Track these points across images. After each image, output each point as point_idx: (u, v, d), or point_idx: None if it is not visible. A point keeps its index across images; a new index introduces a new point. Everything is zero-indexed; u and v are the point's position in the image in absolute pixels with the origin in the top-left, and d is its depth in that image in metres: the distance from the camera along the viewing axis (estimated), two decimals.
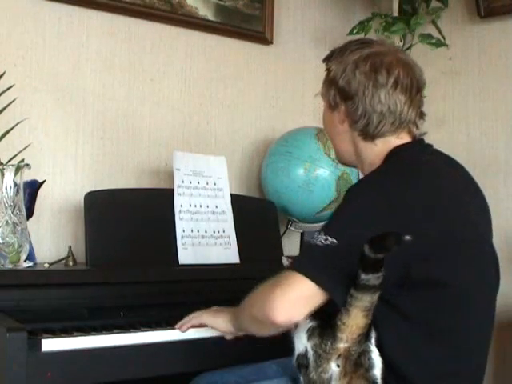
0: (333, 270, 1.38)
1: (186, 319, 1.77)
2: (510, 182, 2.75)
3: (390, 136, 1.57)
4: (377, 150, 1.58)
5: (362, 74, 1.53)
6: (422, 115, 1.61)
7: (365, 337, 1.43)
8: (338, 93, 1.59)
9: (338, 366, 1.43)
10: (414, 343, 1.46)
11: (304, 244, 1.48)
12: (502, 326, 2.32)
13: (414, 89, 1.55)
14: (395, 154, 1.56)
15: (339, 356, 1.42)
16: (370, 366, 1.43)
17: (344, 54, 1.60)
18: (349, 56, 1.58)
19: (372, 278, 1.34)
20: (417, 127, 1.60)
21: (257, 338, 1.80)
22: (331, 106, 1.62)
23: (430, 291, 1.44)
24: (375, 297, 1.38)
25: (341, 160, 1.72)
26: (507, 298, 2.41)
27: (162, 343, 1.75)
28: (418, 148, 1.60)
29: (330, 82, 1.61)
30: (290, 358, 1.68)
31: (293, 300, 1.39)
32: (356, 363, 1.43)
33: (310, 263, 1.41)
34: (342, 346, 1.42)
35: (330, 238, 1.39)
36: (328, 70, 1.63)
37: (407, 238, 1.27)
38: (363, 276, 1.34)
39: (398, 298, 1.44)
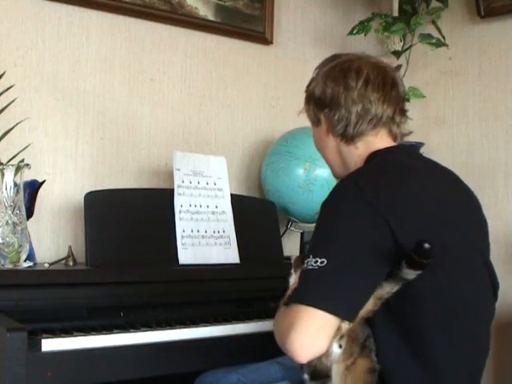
0: (334, 290, 1.38)
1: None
2: (510, 182, 2.75)
3: (370, 136, 1.58)
4: (359, 153, 1.59)
5: (333, 81, 1.58)
6: (402, 112, 1.61)
7: (368, 322, 1.45)
8: (315, 105, 1.64)
9: (341, 346, 1.43)
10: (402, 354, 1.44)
11: (300, 275, 1.45)
12: (502, 326, 2.32)
13: (387, 85, 1.57)
14: (376, 156, 1.56)
15: (342, 337, 1.43)
16: (373, 350, 1.45)
17: (317, 72, 1.66)
18: (320, 71, 1.65)
19: (411, 274, 1.36)
20: (397, 125, 1.60)
21: (257, 338, 1.81)
22: (315, 122, 1.67)
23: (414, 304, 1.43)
24: (394, 289, 1.40)
25: (335, 175, 1.71)
26: (507, 298, 2.42)
27: (162, 343, 1.75)
28: (401, 152, 1.60)
29: (308, 99, 1.67)
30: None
31: (309, 337, 1.37)
32: (363, 345, 1.44)
33: (311, 292, 1.39)
34: (343, 326, 1.42)
35: (319, 260, 1.39)
36: (306, 89, 1.69)
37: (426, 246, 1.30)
38: (405, 270, 1.35)
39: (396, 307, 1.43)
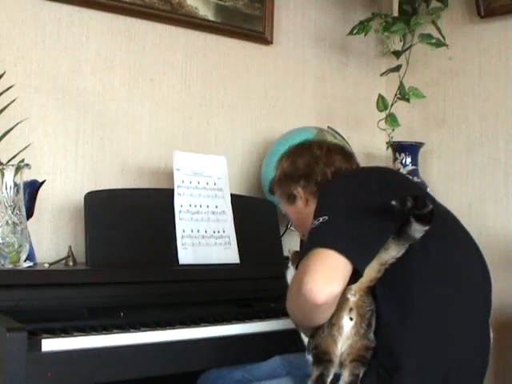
0: (341, 235, 1.44)
1: None
2: (510, 181, 2.75)
3: None
4: None
5: (300, 156, 1.82)
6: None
7: (372, 294, 1.49)
8: (287, 182, 1.83)
9: (351, 319, 1.47)
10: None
11: (306, 235, 1.53)
12: (502, 326, 2.32)
13: (341, 149, 1.88)
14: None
15: (351, 310, 1.46)
16: (374, 327, 1.49)
17: (278, 165, 1.88)
18: (281, 162, 1.87)
19: (419, 231, 1.43)
20: None
21: (257, 338, 1.81)
22: (290, 201, 1.84)
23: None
24: (400, 253, 1.46)
25: None
26: (507, 298, 2.42)
27: (161, 343, 1.75)
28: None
29: (278, 184, 1.87)
30: (295, 354, 1.70)
31: (323, 276, 1.40)
32: (368, 324, 1.48)
33: (320, 238, 1.46)
34: (350, 298, 1.46)
35: (320, 218, 1.48)
36: (273, 182, 1.91)
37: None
38: (415, 226, 1.43)
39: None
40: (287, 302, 1.54)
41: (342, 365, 1.49)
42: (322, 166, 1.79)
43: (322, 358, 1.49)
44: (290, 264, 1.73)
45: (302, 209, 1.82)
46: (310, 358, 1.53)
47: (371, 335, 1.49)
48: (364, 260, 1.44)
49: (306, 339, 1.58)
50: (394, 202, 1.40)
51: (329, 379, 1.48)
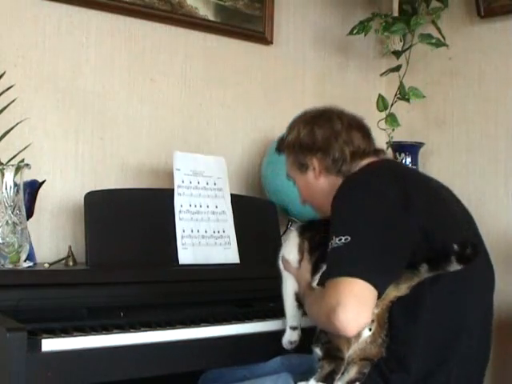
0: (365, 261, 1.44)
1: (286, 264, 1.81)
2: (510, 181, 2.75)
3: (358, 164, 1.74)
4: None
5: (320, 127, 1.75)
6: (373, 142, 1.81)
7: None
8: (302, 152, 1.76)
9: (370, 329, 1.48)
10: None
11: (327, 255, 1.51)
12: (502, 326, 2.32)
13: (362, 125, 1.79)
14: (369, 164, 1.72)
15: (372, 321, 1.47)
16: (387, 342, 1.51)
17: (293, 128, 1.82)
18: (297, 126, 1.81)
19: (456, 267, 1.46)
20: (377, 155, 1.78)
21: (257, 338, 1.81)
22: (301, 170, 1.79)
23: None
24: (427, 278, 1.48)
25: (326, 214, 1.73)
26: (507, 298, 2.42)
27: (161, 343, 1.75)
28: (391, 161, 1.79)
29: (290, 148, 1.80)
30: (296, 354, 1.70)
31: (355, 308, 1.41)
32: (387, 334, 1.50)
33: (345, 264, 1.45)
34: (374, 310, 1.47)
35: (342, 237, 1.46)
36: (284, 144, 1.83)
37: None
38: (455, 265, 1.45)
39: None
40: (311, 306, 1.58)
41: (350, 361, 1.50)
42: (341, 142, 1.73)
43: (335, 355, 1.49)
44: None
45: (311, 180, 1.78)
46: (318, 350, 1.53)
47: (384, 346, 1.51)
48: (387, 284, 1.46)
49: (290, 312, 1.70)
50: (455, 247, 1.44)
51: (338, 377, 1.49)
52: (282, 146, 1.86)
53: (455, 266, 1.45)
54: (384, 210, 1.50)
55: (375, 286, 1.41)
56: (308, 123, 1.78)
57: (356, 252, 1.45)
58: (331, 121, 1.76)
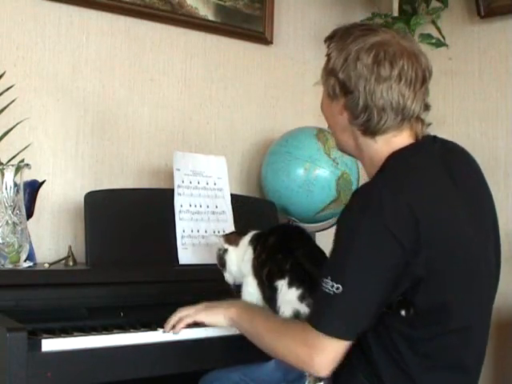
0: (348, 318, 1.42)
1: (175, 319, 1.73)
2: (510, 181, 2.75)
3: (392, 133, 1.49)
4: (377, 148, 1.51)
5: (364, 67, 1.44)
6: (426, 107, 1.54)
7: None
8: (337, 85, 1.51)
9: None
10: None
11: (317, 293, 1.47)
12: (502, 326, 2.32)
13: (418, 82, 1.48)
14: (393, 160, 1.49)
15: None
16: None
17: (346, 41, 1.49)
18: (351, 44, 1.47)
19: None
20: (422, 122, 1.55)
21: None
22: (330, 96, 1.55)
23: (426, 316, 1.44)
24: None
25: (341, 149, 1.65)
26: (507, 298, 2.41)
27: (161, 343, 1.75)
28: (418, 154, 1.52)
29: (329, 72, 1.53)
30: None
31: (331, 361, 1.44)
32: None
33: (328, 320, 1.43)
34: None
35: (335, 285, 1.40)
36: (328, 56, 1.54)
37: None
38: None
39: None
40: (273, 335, 1.56)
41: None
42: (378, 94, 1.45)
43: None
44: (226, 246, 1.84)
45: (335, 112, 1.55)
46: None
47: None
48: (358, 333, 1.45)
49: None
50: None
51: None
52: (330, 40, 1.56)
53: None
54: (388, 266, 1.38)
55: (351, 339, 1.43)
56: (356, 53, 1.47)
57: (344, 306, 1.40)
58: (380, 63, 1.46)
